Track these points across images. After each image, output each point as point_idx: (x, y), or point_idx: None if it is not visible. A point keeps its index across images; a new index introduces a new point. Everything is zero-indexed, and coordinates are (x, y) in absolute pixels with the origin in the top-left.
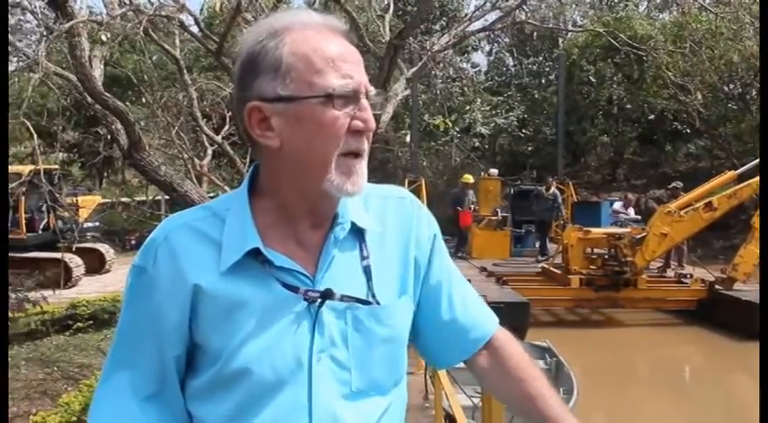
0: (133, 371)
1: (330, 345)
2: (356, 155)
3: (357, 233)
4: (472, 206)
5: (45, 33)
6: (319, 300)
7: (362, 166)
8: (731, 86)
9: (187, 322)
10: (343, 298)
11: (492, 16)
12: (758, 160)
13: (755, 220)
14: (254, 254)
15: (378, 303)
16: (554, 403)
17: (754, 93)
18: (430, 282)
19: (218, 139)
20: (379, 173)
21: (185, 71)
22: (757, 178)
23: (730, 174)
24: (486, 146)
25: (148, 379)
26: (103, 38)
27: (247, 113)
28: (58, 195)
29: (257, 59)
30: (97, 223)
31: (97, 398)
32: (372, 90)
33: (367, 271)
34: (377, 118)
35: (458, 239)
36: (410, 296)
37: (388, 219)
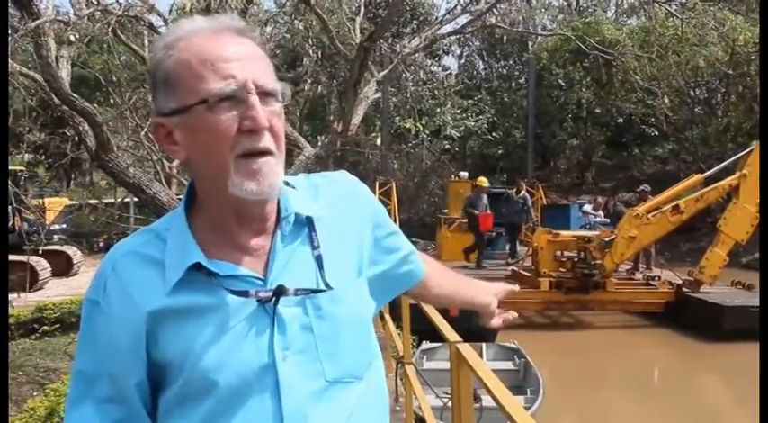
0: (95, 403)
1: (294, 340)
2: (262, 153)
3: (307, 223)
4: (487, 210)
5: (10, 32)
6: (273, 298)
7: (268, 162)
8: (697, 91)
9: (144, 348)
10: (297, 292)
11: (462, 20)
12: (725, 163)
13: (721, 223)
14: (198, 268)
15: (331, 288)
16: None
17: (719, 97)
18: (386, 246)
19: None
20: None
21: None
22: (723, 181)
23: (697, 177)
24: (457, 149)
25: (112, 410)
26: (72, 38)
27: (155, 130)
28: (23, 197)
29: (154, 74)
30: (64, 225)
31: None
32: (269, 84)
33: (318, 260)
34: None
35: (476, 245)
36: (365, 275)
37: (340, 202)
